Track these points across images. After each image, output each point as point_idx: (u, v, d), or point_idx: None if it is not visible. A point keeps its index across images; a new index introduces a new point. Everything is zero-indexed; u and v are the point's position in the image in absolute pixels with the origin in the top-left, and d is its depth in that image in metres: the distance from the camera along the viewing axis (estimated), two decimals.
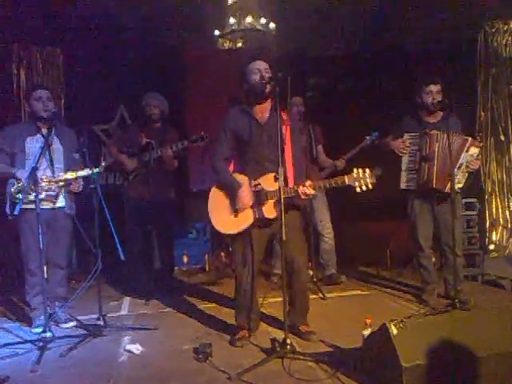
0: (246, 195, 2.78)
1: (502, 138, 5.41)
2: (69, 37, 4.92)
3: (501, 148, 5.41)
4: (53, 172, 3.21)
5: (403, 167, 3.53)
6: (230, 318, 3.11)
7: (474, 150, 3.33)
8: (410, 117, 3.58)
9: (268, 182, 2.77)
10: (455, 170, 3.27)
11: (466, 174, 3.39)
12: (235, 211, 2.81)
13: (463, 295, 3.31)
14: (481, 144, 3.43)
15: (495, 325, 2.23)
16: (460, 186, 3.37)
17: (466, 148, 3.31)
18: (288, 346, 2.54)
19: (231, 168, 2.95)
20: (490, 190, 5.43)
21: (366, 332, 2.46)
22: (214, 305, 3.71)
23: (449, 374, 2.06)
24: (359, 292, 4.02)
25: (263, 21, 5.64)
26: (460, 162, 3.31)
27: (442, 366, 2.07)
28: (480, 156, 3.46)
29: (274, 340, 2.81)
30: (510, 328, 2.21)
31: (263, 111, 2.87)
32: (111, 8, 4.65)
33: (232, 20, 5.67)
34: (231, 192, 2.82)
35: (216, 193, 2.91)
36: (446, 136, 3.27)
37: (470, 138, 3.35)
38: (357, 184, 2.59)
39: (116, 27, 4.90)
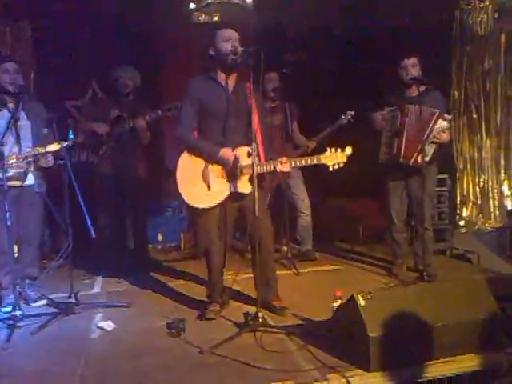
0: (230, 155, 2.72)
1: (475, 116, 5.47)
2: (38, 10, 4.73)
3: (473, 126, 5.51)
4: (20, 149, 3.12)
5: (382, 141, 3.56)
6: (203, 295, 3.12)
7: (442, 123, 3.34)
8: (392, 91, 3.60)
9: (241, 156, 2.75)
10: (421, 143, 3.29)
11: (434, 147, 3.40)
12: (208, 185, 2.78)
13: (431, 268, 3.40)
14: (449, 117, 3.45)
15: (458, 296, 2.30)
16: (427, 158, 3.38)
17: (433, 121, 3.31)
18: (260, 320, 2.59)
19: None
20: (461, 166, 5.53)
21: (336, 304, 2.51)
22: (188, 282, 3.72)
23: (410, 343, 2.13)
24: (332, 267, 4.08)
25: None
26: (427, 134, 3.32)
27: (403, 336, 2.13)
28: (448, 129, 3.46)
29: (246, 314, 2.84)
30: (471, 299, 2.29)
31: (230, 80, 2.81)
32: None
33: None
34: (211, 158, 2.75)
35: (185, 164, 2.82)
36: (416, 110, 3.28)
37: (437, 111, 3.35)
38: (330, 163, 2.68)
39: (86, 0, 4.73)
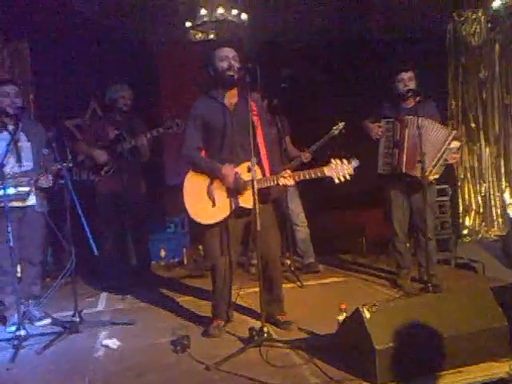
0: (231, 172, 2.72)
1: (473, 125, 5.53)
2: (36, 30, 4.79)
3: (472, 135, 5.54)
4: (21, 170, 3.13)
5: (380, 152, 3.58)
6: (208, 310, 3.10)
7: (456, 144, 3.37)
8: (388, 102, 3.64)
9: (245, 171, 2.76)
10: (435, 161, 3.32)
11: (444, 167, 3.43)
12: (213, 201, 2.79)
13: (436, 279, 3.39)
14: (462, 139, 3.50)
15: (463, 306, 2.29)
16: (436, 177, 3.42)
17: (448, 141, 3.33)
18: (265, 334, 2.57)
19: None
20: (462, 176, 5.55)
21: (341, 317, 2.50)
22: (191, 298, 3.70)
23: (417, 354, 2.11)
24: (336, 279, 4.07)
25: (235, 12, 5.59)
26: (440, 154, 3.33)
27: (411, 347, 2.12)
28: (460, 150, 3.52)
29: (251, 329, 2.81)
30: (477, 309, 2.27)
31: (231, 98, 2.85)
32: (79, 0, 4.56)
33: (203, 11, 5.60)
34: (213, 175, 2.78)
35: (191, 182, 2.86)
36: (417, 122, 3.31)
37: (453, 132, 3.39)
38: (335, 175, 2.57)
39: (84, 19, 4.79)
